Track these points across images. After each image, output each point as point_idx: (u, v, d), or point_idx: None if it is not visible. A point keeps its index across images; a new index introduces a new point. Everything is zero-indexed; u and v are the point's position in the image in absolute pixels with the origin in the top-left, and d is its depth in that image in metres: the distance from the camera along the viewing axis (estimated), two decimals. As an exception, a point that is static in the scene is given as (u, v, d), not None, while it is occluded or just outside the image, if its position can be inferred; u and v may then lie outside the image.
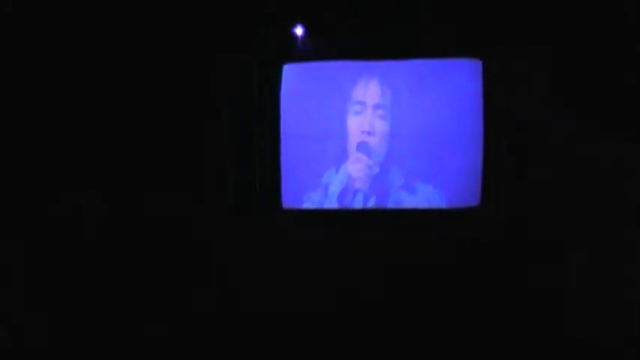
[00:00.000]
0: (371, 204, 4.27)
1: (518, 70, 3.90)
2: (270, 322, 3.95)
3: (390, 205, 4.25)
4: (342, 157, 4.32)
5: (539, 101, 3.86)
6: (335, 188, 4.31)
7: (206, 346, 3.84)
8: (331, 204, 4.32)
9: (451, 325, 3.88)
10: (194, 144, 4.31)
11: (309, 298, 4.03)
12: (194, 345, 3.84)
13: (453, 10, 3.99)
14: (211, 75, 4.31)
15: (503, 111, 3.93)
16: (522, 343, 3.70)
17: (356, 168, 4.27)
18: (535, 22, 3.86)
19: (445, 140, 4.15)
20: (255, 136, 4.34)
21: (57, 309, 3.86)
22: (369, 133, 4.25)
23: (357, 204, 4.29)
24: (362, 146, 4.26)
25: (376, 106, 4.26)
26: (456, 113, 4.12)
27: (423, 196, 4.21)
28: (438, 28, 4.03)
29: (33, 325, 3.57)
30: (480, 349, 3.72)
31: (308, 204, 4.35)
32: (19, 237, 4.01)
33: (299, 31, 4.27)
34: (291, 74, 4.35)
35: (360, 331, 3.89)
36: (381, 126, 4.25)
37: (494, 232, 4.01)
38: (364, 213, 4.31)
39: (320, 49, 4.25)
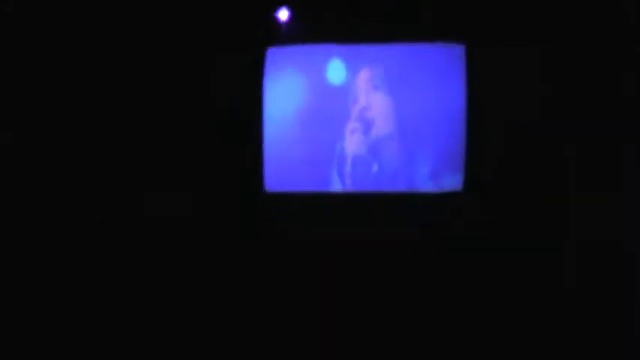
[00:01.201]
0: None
1: (503, 55, 3.94)
2: (260, 312, 3.92)
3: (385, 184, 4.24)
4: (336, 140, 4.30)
5: (524, 88, 3.93)
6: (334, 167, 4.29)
7: (199, 341, 3.80)
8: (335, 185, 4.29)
9: (434, 310, 3.89)
10: (177, 129, 4.28)
11: (298, 289, 4.00)
12: (188, 341, 3.79)
13: None
14: (194, 60, 4.29)
15: (487, 96, 3.98)
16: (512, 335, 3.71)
17: (353, 140, 4.24)
18: (520, 6, 3.93)
19: (430, 124, 4.18)
20: (239, 119, 4.30)
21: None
22: (365, 109, 4.24)
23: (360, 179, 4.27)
24: (359, 118, 4.23)
25: (369, 80, 4.25)
26: (439, 97, 4.15)
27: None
28: (422, 13, 4.08)
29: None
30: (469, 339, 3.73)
31: (305, 187, 4.30)
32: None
33: (283, 14, 4.25)
34: (276, 58, 4.32)
35: (349, 321, 3.86)
36: (377, 97, 4.24)
37: (477, 218, 4.05)
38: (346, 196, 4.31)
39: (304, 32, 4.25)
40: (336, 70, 4.30)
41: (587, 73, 3.80)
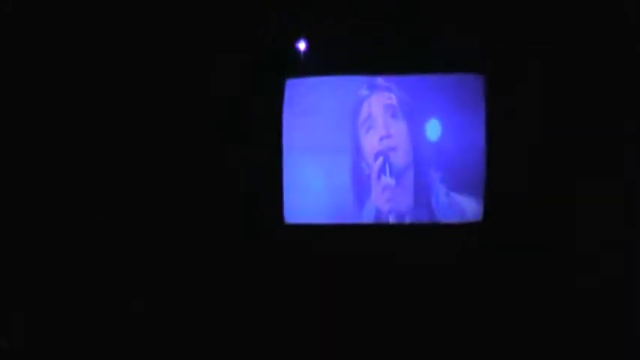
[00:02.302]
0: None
1: (521, 83, 3.96)
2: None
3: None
4: (355, 170, 4.29)
5: (542, 114, 3.93)
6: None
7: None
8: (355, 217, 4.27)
9: (456, 340, 3.85)
10: (198, 159, 4.27)
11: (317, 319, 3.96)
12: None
13: (455, 25, 4.05)
14: (213, 90, 4.29)
15: (506, 125, 3.99)
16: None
17: (384, 199, 4.21)
18: (537, 37, 3.93)
19: (450, 154, 4.18)
20: (258, 151, 4.30)
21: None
22: (387, 137, 4.22)
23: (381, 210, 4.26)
24: (382, 154, 4.20)
25: (387, 109, 4.24)
26: (458, 127, 4.15)
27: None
28: (442, 43, 4.08)
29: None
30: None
31: (324, 219, 4.29)
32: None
33: (302, 45, 4.27)
34: (295, 89, 4.34)
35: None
36: (396, 125, 4.23)
37: (498, 247, 4.04)
38: (370, 228, 4.29)
39: (323, 63, 4.27)
40: (356, 102, 4.31)
41: (609, 102, 3.81)
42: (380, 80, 4.28)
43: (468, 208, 4.14)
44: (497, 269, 4.02)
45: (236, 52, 4.27)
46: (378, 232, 4.27)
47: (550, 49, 3.89)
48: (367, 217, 4.27)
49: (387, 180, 4.21)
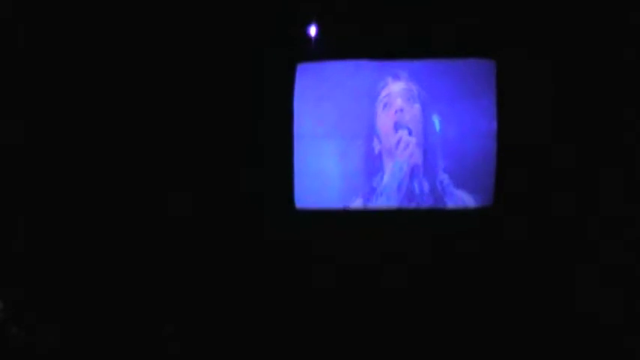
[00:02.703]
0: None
1: (533, 70, 3.84)
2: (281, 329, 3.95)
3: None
4: (367, 152, 4.30)
5: (552, 101, 3.80)
6: (391, 183, 4.26)
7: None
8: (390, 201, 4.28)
9: (460, 324, 3.87)
10: (208, 145, 4.34)
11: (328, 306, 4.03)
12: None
13: (468, 11, 3.94)
14: (224, 74, 4.32)
15: (517, 111, 3.88)
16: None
17: (407, 153, 4.21)
18: (549, 23, 3.81)
19: (461, 139, 4.13)
20: (268, 136, 4.34)
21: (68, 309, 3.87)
22: (401, 110, 4.21)
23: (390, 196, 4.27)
24: (399, 124, 4.22)
25: (404, 92, 4.22)
26: (469, 112, 4.07)
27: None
28: (453, 29, 3.98)
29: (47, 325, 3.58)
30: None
31: (335, 204, 4.32)
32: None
33: (312, 30, 4.23)
34: (306, 74, 4.33)
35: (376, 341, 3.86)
36: (412, 107, 4.21)
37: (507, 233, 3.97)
38: (375, 213, 4.30)
39: (334, 48, 4.23)
40: (375, 87, 4.28)
41: (622, 89, 3.63)
42: (391, 65, 4.23)
43: (478, 193, 4.11)
44: (505, 257, 3.98)
45: (247, 37, 4.28)
46: (387, 216, 4.27)
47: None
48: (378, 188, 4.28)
49: (408, 138, 4.21)
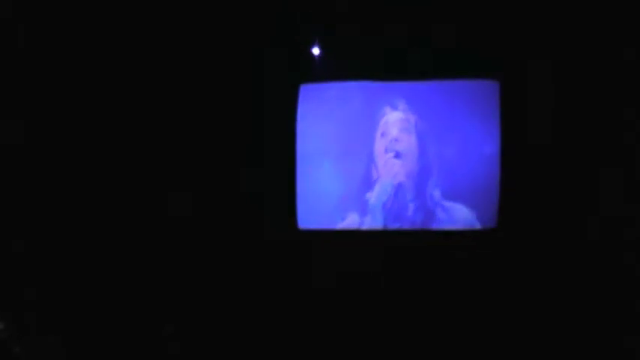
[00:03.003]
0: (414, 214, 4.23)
1: (535, 91, 3.98)
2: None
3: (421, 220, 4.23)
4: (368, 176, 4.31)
5: (555, 121, 3.94)
6: (376, 202, 4.25)
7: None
8: (376, 222, 4.26)
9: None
10: (212, 165, 4.29)
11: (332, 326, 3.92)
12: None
13: (470, 33, 4.08)
14: (227, 95, 4.33)
15: (520, 132, 4.01)
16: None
17: (392, 172, 4.23)
18: (551, 44, 3.96)
19: (464, 161, 4.20)
20: (271, 157, 4.33)
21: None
22: (396, 140, 4.26)
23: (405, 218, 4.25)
24: (389, 149, 4.26)
25: (402, 122, 4.30)
26: (473, 133, 4.18)
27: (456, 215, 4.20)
28: (457, 50, 4.11)
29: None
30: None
31: (337, 224, 4.29)
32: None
33: (316, 51, 4.33)
34: (308, 95, 4.39)
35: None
36: (407, 137, 4.27)
37: (512, 255, 4.02)
38: (379, 234, 4.27)
39: (337, 69, 4.32)
40: (368, 106, 4.36)
41: (624, 109, 3.83)
42: (394, 86, 4.34)
43: (460, 215, 4.17)
44: (511, 279, 4.00)
45: (251, 58, 4.33)
46: (390, 238, 4.25)
47: (563, 56, 3.94)
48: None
49: (393, 160, 4.25)
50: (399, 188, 4.24)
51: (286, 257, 4.19)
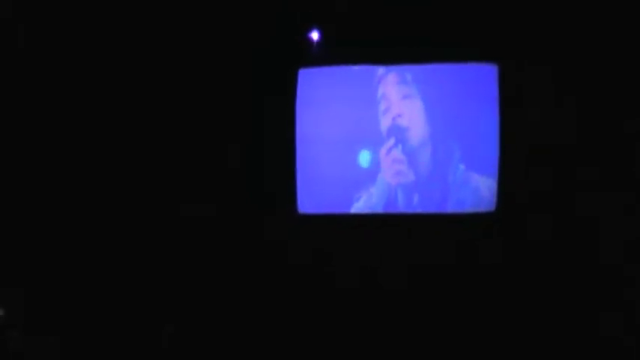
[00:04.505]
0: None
1: (535, 73, 3.87)
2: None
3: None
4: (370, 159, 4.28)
5: (555, 105, 3.84)
6: (377, 200, 4.25)
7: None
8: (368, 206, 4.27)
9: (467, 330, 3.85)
10: (210, 150, 4.33)
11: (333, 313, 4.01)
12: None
13: (470, 15, 3.97)
14: (226, 80, 4.33)
15: (519, 115, 3.91)
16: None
17: (392, 172, 4.21)
18: (552, 26, 3.84)
19: (463, 143, 4.12)
20: (272, 141, 4.34)
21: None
22: (399, 116, 4.20)
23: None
24: (392, 129, 4.20)
25: (400, 89, 4.22)
26: (472, 116, 4.08)
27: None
28: (456, 33, 4.00)
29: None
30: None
31: (338, 209, 4.31)
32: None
33: (314, 35, 4.25)
34: (307, 79, 4.34)
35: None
36: (410, 105, 4.20)
37: (511, 238, 3.97)
38: (379, 217, 4.27)
39: (336, 53, 4.24)
40: (372, 85, 4.29)
41: (624, 91, 3.68)
42: (394, 68, 4.24)
43: (483, 187, 4.08)
44: (511, 262, 3.96)
45: (249, 43, 4.29)
46: (390, 222, 4.25)
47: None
48: (378, 196, 4.25)
49: (398, 155, 4.18)
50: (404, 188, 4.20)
51: (286, 242, 4.25)
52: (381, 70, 4.25)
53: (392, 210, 4.24)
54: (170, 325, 3.72)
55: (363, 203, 4.28)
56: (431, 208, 4.19)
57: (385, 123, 4.25)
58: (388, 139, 4.22)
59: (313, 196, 4.35)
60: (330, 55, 4.26)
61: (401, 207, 4.23)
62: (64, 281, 3.94)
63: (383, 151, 4.23)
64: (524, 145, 3.90)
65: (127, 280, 4.02)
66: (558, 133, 3.81)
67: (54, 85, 4.19)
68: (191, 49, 4.29)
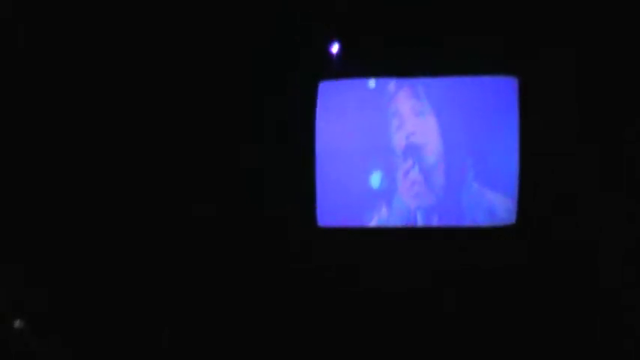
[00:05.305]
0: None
1: (555, 87, 3.94)
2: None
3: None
4: (386, 170, 4.27)
5: (574, 120, 3.92)
6: (395, 219, 4.24)
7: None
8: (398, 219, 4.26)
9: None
10: (230, 161, 4.25)
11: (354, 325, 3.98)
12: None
13: (489, 27, 4.01)
14: (248, 92, 4.26)
15: (538, 128, 3.98)
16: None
17: (411, 194, 4.21)
18: (572, 40, 3.91)
19: (483, 157, 4.15)
20: (292, 153, 4.28)
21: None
22: (412, 134, 4.21)
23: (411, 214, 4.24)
24: (408, 149, 4.21)
25: (413, 106, 4.23)
26: (492, 130, 4.13)
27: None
28: (475, 45, 4.03)
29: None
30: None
31: (357, 222, 4.28)
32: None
33: (335, 48, 4.23)
34: (328, 91, 4.30)
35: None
36: (422, 124, 4.21)
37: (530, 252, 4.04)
38: (397, 231, 4.27)
39: (356, 66, 4.24)
40: (385, 100, 4.29)
41: (628, 92, 3.79)
42: (414, 81, 4.26)
43: (499, 206, 4.12)
44: (528, 276, 4.02)
45: (269, 54, 4.24)
46: (408, 234, 4.26)
47: (585, 51, 3.88)
48: (396, 216, 4.25)
49: (415, 176, 4.20)
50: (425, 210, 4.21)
51: (306, 254, 4.20)
52: (393, 83, 4.26)
53: (411, 224, 4.26)
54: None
55: (382, 218, 4.28)
56: (448, 222, 4.22)
57: (399, 141, 4.26)
58: (405, 159, 4.23)
59: (333, 209, 4.30)
60: (349, 67, 4.24)
61: (420, 223, 4.25)
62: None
63: (400, 172, 4.24)
64: (544, 159, 3.97)
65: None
66: (579, 149, 3.90)
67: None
68: (210, 59, 4.21)
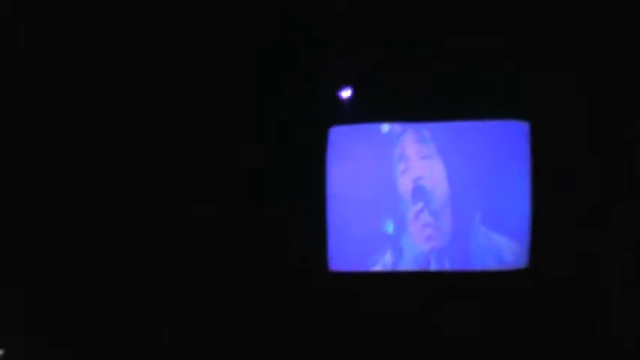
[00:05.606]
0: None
1: (566, 131, 4.02)
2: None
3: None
4: (396, 215, 4.17)
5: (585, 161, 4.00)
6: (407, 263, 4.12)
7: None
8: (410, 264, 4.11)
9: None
10: (244, 206, 4.19)
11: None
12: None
13: (499, 73, 4.10)
14: (258, 137, 4.24)
15: (550, 172, 4.03)
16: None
17: (423, 236, 4.11)
18: (582, 85, 4.02)
19: (493, 200, 4.13)
20: (303, 197, 4.17)
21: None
22: (420, 178, 4.16)
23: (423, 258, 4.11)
24: (417, 192, 4.14)
25: (420, 149, 4.22)
26: (502, 174, 4.15)
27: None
28: (485, 90, 4.10)
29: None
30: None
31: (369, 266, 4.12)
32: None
33: (346, 93, 4.25)
34: (339, 136, 4.25)
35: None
36: (429, 167, 4.17)
37: (542, 295, 4.00)
38: (408, 275, 4.12)
39: (367, 111, 4.25)
40: (391, 144, 4.28)
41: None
42: (425, 126, 4.26)
43: (506, 249, 4.08)
44: (541, 320, 3.97)
45: (281, 99, 4.21)
46: (420, 279, 4.11)
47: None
48: (409, 260, 4.11)
49: (427, 218, 4.12)
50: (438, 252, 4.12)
51: (318, 299, 4.01)
52: (398, 128, 4.27)
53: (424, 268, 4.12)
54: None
55: (395, 261, 4.12)
56: (459, 266, 4.11)
57: (405, 184, 4.20)
58: (414, 202, 4.16)
59: (345, 253, 4.11)
60: (361, 113, 4.24)
61: (432, 267, 4.12)
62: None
63: (411, 215, 4.15)
64: (555, 205, 4.00)
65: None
66: (590, 192, 3.97)
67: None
68: (223, 102, 4.20)
